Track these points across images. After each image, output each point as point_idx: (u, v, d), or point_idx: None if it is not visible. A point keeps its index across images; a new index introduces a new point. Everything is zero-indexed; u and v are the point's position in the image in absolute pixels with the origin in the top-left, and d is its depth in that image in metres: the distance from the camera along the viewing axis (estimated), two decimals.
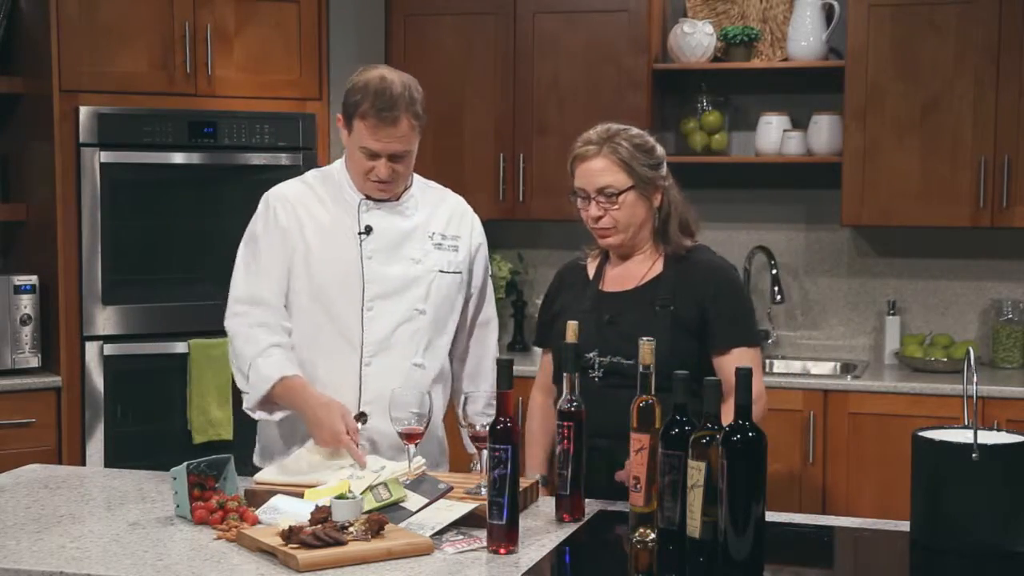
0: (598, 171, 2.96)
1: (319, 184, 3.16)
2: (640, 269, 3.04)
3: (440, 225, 3.18)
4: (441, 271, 3.14)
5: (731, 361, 2.89)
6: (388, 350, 3.08)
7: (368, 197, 3.10)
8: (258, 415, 3.07)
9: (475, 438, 2.72)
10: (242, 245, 3.16)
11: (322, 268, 3.08)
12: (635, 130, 3.02)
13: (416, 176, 3.18)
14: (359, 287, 3.07)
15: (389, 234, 3.10)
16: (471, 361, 3.28)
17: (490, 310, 3.32)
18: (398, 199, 3.13)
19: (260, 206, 3.16)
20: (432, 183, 3.26)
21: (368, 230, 3.09)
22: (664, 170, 3.02)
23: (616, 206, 2.96)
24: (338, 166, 3.18)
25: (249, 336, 3.06)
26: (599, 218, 2.98)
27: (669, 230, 3.02)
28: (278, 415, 3.06)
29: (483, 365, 3.28)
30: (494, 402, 2.66)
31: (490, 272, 3.33)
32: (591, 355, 2.96)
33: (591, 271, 3.11)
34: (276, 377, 2.99)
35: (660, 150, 3.03)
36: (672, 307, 2.94)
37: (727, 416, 2.37)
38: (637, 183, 2.96)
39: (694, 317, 2.94)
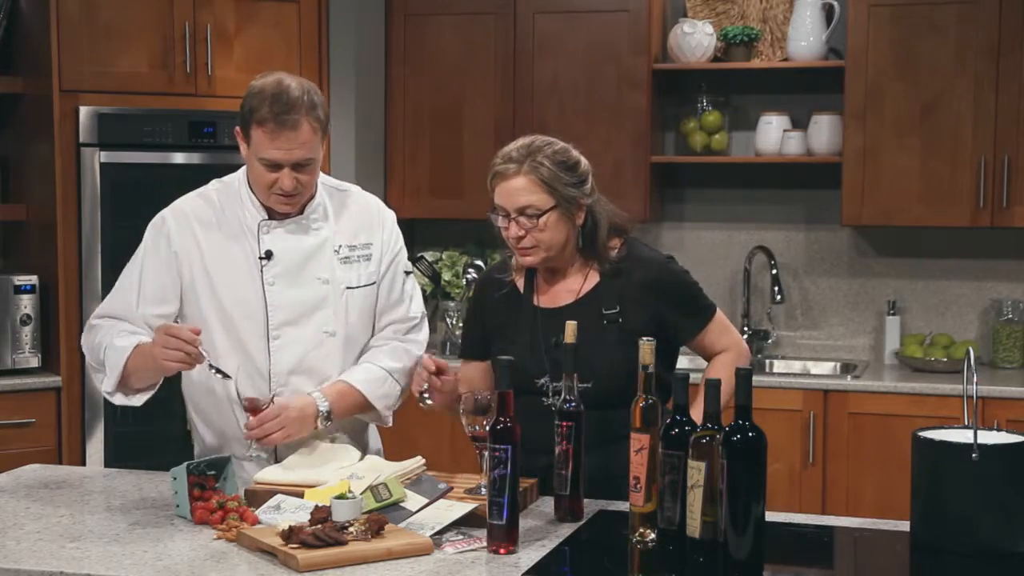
0: (518, 190, 2.83)
1: (220, 199, 2.98)
2: (574, 283, 2.93)
3: (347, 236, 2.99)
4: (349, 287, 2.97)
5: (703, 341, 2.96)
6: (298, 377, 2.93)
7: (271, 214, 2.93)
8: (117, 399, 2.90)
9: (475, 438, 2.71)
10: (130, 263, 3.00)
11: (225, 294, 2.92)
12: (559, 144, 2.88)
13: (323, 178, 2.98)
14: (263, 315, 2.91)
15: (292, 256, 2.92)
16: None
17: (401, 310, 3.05)
18: (302, 212, 2.94)
19: (157, 222, 2.99)
20: (341, 184, 3.06)
21: (268, 255, 2.91)
22: (588, 186, 2.88)
23: (537, 227, 2.82)
24: (240, 178, 2.99)
25: (104, 331, 2.91)
26: (521, 238, 2.84)
27: (597, 244, 2.90)
28: (137, 399, 2.91)
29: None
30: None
31: (407, 269, 3.10)
32: (542, 381, 2.87)
33: (520, 284, 2.99)
34: (133, 343, 2.82)
35: (584, 165, 2.89)
36: (620, 320, 2.86)
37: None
38: (560, 203, 2.82)
39: (647, 323, 2.83)
